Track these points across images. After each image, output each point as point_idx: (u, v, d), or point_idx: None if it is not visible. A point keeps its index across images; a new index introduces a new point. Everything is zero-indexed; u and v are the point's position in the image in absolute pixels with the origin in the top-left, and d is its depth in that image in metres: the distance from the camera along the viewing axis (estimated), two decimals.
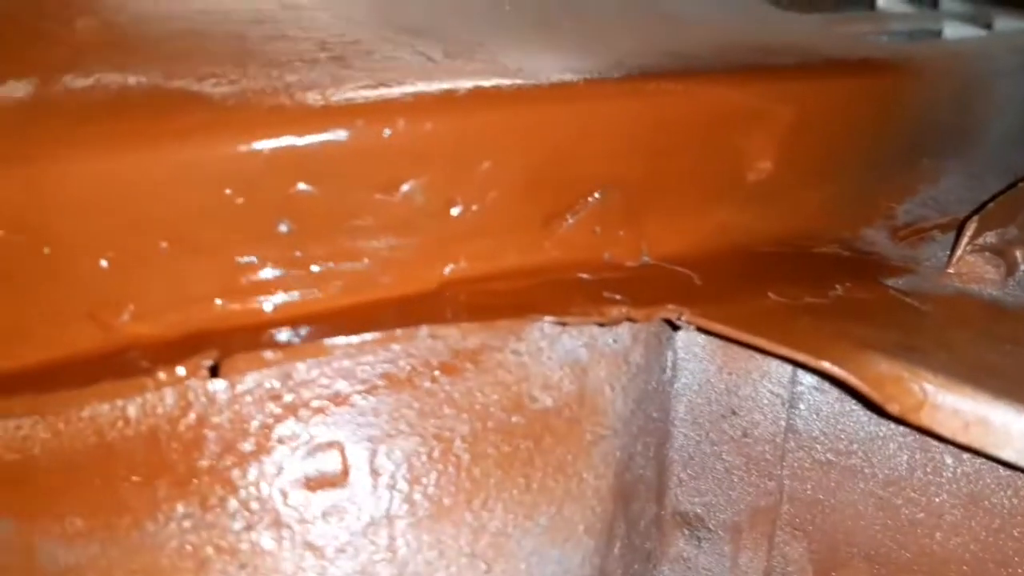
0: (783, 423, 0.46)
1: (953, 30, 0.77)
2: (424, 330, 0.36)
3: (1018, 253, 0.50)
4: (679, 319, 0.39)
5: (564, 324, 0.38)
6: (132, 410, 0.36)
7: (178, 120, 0.35)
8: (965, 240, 0.48)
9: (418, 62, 0.39)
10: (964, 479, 0.43)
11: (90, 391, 0.34)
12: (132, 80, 0.36)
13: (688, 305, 0.40)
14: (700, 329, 0.39)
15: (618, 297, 0.39)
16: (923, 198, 0.58)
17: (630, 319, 0.38)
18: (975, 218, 0.49)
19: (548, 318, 0.38)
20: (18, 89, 0.35)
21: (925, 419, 0.35)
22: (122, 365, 0.35)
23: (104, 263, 0.35)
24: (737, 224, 0.46)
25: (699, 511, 0.49)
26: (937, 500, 0.44)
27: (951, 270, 0.48)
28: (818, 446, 0.46)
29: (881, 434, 0.44)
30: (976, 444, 0.35)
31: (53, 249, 0.35)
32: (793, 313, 0.40)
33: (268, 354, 0.34)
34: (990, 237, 0.50)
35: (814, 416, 0.46)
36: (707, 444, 0.48)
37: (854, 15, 0.70)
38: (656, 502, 0.48)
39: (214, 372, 0.34)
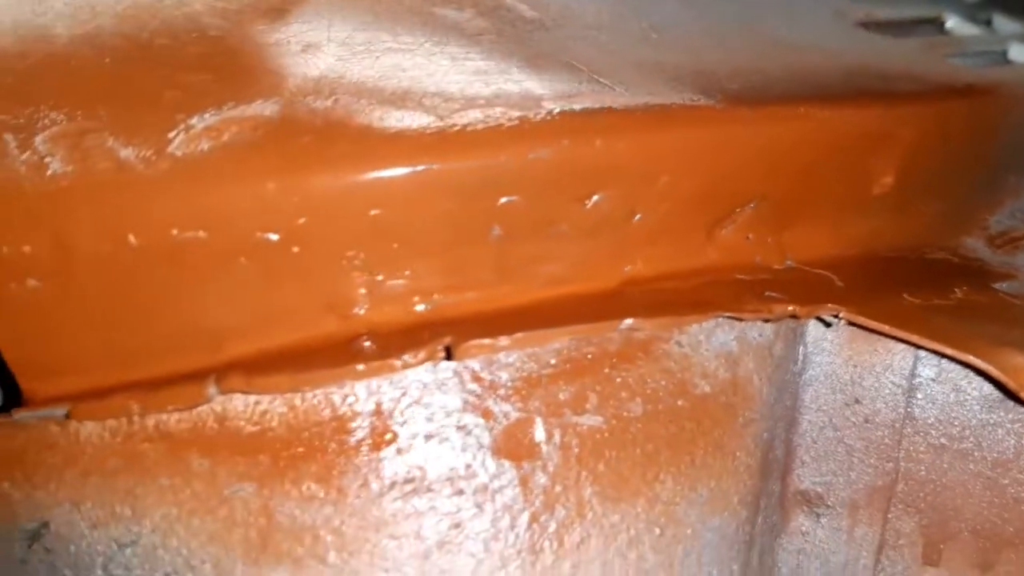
0: (902, 411, 0.51)
1: (1017, 51, 0.82)
2: (627, 321, 0.41)
3: None
4: (836, 316, 0.44)
5: (740, 319, 0.44)
6: (361, 388, 0.42)
7: (410, 139, 0.40)
8: None
9: (600, 88, 0.44)
10: None
11: (343, 371, 0.39)
12: (365, 103, 0.41)
13: (839, 304, 0.45)
14: (855, 325, 0.44)
15: (780, 296, 0.44)
16: (1011, 210, 0.63)
17: (793, 316, 0.44)
18: None
19: (726, 314, 0.43)
20: (267, 108, 0.41)
21: None
22: (360, 350, 0.41)
23: (345, 262, 0.40)
24: (864, 233, 0.51)
25: (819, 490, 0.54)
26: None
27: None
28: (933, 431, 0.51)
29: (991, 421, 0.50)
30: None
31: (302, 248, 0.40)
32: (928, 312, 0.45)
33: (500, 341, 0.39)
34: None
35: (930, 405, 0.51)
36: (830, 429, 0.53)
37: (937, 39, 0.74)
38: (780, 481, 0.54)
39: (449, 356, 0.40)
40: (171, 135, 0.39)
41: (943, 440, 0.51)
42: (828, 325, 0.47)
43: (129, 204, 0.39)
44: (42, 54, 0.42)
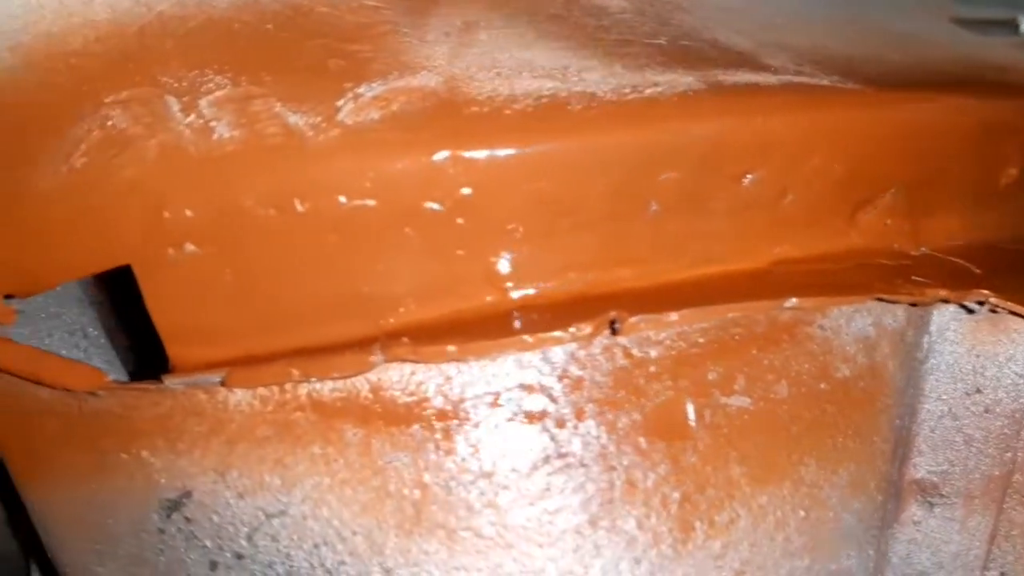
0: (1023, 401, 0.51)
1: None
2: (792, 300, 0.41)
3: None
4: (980, 303, 0.44)
5: (894, 302, 0.44)
6: (511, 362, 0.41)
7: (576, 113, 0.40)
8: None
9: (757, 66, 0.44)
10: None
11: (510, 341, 0.39)
12: (527, 75, 0.41)
13: (976, 290, 0.45)
14: (1009, 311, 0.44)
15: (927, 280, 0.44)
16: None
17: (944, 300, 0.44)
18: None
19: (882, 296, 0.43)
20: (431, 79, 0.41)
21: None
22: (518, 321, 0.41)
23: (507, 233, 0.40)
24: (991, 222, 0.51)
25: (935, 479, 0.54)
26: None
27: None
28: None
29: None
30: None
31: (465, 220, 0.40)
32: None
33: (671, 316, 0.39)
34: None
35: None
36: (949, 419, 0.53)
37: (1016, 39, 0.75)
38: (899, 468, 0.54)
39: (614, 330, 0.40)
40: (339, 103, 0.39)
41: None
42: (971, 312, 0.47)
43: (298, 171, 0.39)
44: (203, 18, 0.41)
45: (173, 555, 0.44)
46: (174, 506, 0.44)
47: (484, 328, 0.40)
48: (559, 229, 0.41)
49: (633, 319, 0.39)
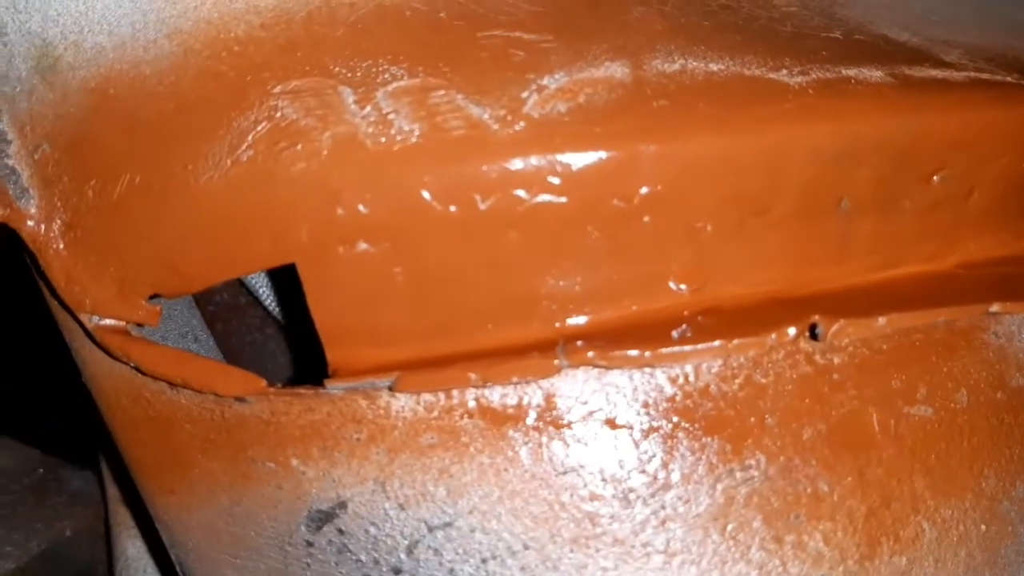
0: None
1: None
2: (994, 306, 0.39)
3: None
4: None
5: None
6: (689, 368, 0.40)
7: (765, 107, 0.38)
8: None
9: (936, 62, 0.43)
10: None
11: (704, 349, 0.37)
12: (714, 67, 0.39)
13: None
14: None
15: None
16: None
17: None
18: None
19: None
20: (617, 70, 0.39)
21: None
22: (697, 326, 0.39)
23: (695, 232, 0.39)
24: None
25: None
26: None
27: None
28: None
29: None
30: None
31: (652, 218, 0.38)
32: None
33: (880, 320, 0.37)
34: None
35: None
36: None
37: None
38: None
39: (814, 335, 0.38)
40: (524, 95, 0.37)
41: None
42: None
43: (482, 165, 0.37)
44: (373, 5, 0.40)
45: (321, 569, 0.42)
46: (326, 517, 0.42)
47: (668, 332, 0.38)
48: (749, 228, 0.39)
49: (837, 324, 0.37)
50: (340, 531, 0.41)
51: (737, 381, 0.40)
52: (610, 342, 0.38)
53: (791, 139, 0.38)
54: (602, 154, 0.37)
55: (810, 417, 0.40)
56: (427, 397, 0.39)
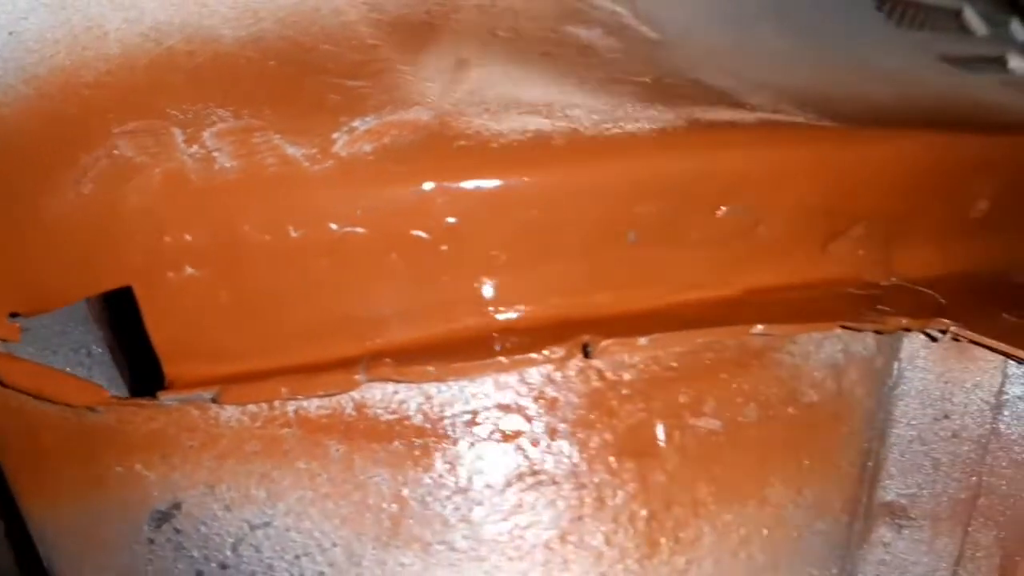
0: (988, 426, 0.54)
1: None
2: (758, 327, 0.43)
3: None
4: (943, 331, 0.46)
5: (858, 330, 0.46)
6: (490, 384, 0.44)
7: (557, 147, 0.43)
8: None
9: (735, 102, 0.47)
10: None
11: (487, 364, 0.41)
12: (513, 111, 0.44)
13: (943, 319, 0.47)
14: (960, 339, 0.46)
15: (890, 310, 0.46)
16: None
17: (906, 329, 0.46)
18: None
19: (846, 324, 0.45)
20: (424, 113, 0.43)
21: None
22: (497, 344, 0.43)
23: (490, 260, 0.43)
24: (962, 254, 0.54)
25: (904, 502, 0.56)
26: None
27: None
28: (1016, 447, 0.53)
29: None
30: None
31: (451, 247, 0.42)
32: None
33: (641, 341, 0.41)
34: None
35: (1016, 421, 0.53)
36: (918, 443, 0.55)
37: (1010, 77, 0.77)
38: (868, 491, 0.56)
39: (586, 353, 0.42)
40: (335, 136, 0.42)
41: None
42: (934, 340, 0.49)
43: (293, 199, 0.41)
44: (210, 53, 0.44)
45: (161, 565, 0.46)
46: (164, 517, 0.46)
47: (464, 350, 0.42)
48: (540, 257, 0.43)
49: (604, 343, 0.41)
50: (176, 530, 0.46)
51: (532, 395, 0.44)
52: (408, 359, 0.42)
53: (575, 178, 0.42)
54: (399, 190, 0.41)
55: (598, 427, 0.44)
56: (252, 408, 0.44)
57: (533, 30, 0.49)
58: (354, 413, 0.43)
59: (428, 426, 0.43)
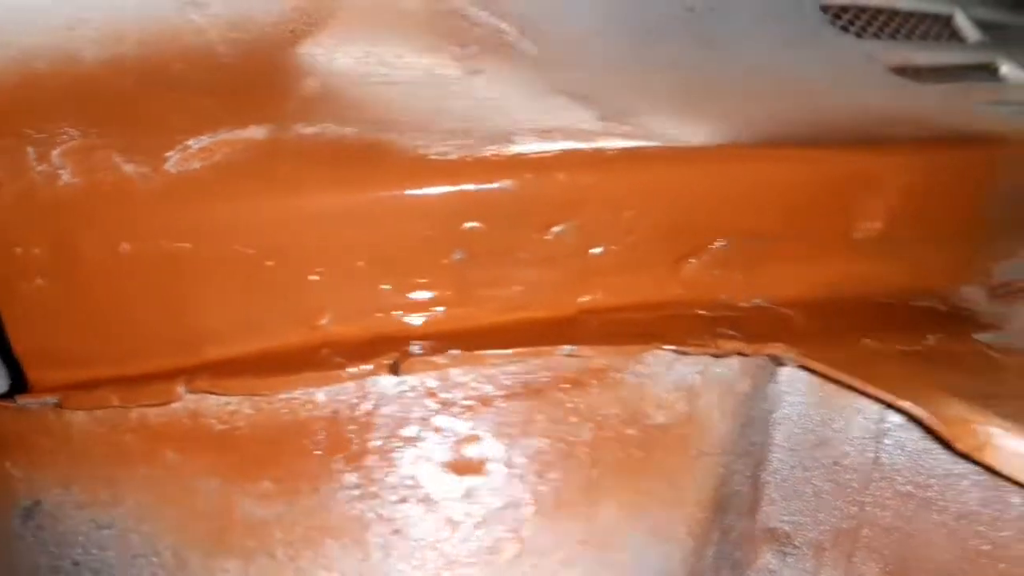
0: (870, 455, 0.52)
1: None
2: (565, 348, 0.43)
3: None
4: (783, 356, 0.45)
5: (684, 353, 0.45)
6: (321, 396, 0.45)
7: (382, 167, 0.43)
8: None
9: (585, 121, 0.46)
10: None
11: (296, 379, 0.42)
12: (347, 131, 0.45)
13: (793, 345, 0.46)
14: (801, 366, 0.45)
15: (732, 333, 0.45)
16: (1020, 263, 0.62)
17: (740, 353, 0.45)
18: None
19: (668, 347, 0.44)
20: (258, 132, 0.44)
21: (988, 458, 0.41)
22: (319, 359, 0.44)
23: (313, 277, 0.44)
24: (844, 276, 0.52)
25: (787, 529, 0.55)
26: (1003, 535, 0.48)
27: None
28: (899, 478, 0.51)
29: (956, 472, 0.49)
30: None
31: (275, 263, 0.44)
32: (884, 358, 0.45)
33: (439, 359, 0.42)
34: None
35: (898, 451, 0.51)
36: (800, 470, 0.53)
37: (978, 86, 0.74)
38: (749, 517, 0.54)
39: (394, 370, 0.42)
40: (169, 154, 0.43)
41: (909, 488, 0.51)
42: (782, 364, 0.48)
43: (125, 215, 0.43)
44: (71, 75, 0.46)
45: (29, 559, 0.49)
46: (28, 514, 0.48)
47: (284, 364, 0.43)
48: (366, 273, 0.44)
49: (410, 360, 0.42)
50: (39, 527, 0.48)
51: (362, 408, 0.45)
52: (230, 372, 0.43)
53: (398, 197, 0.43)
54: (224, 207, 0.43)
55: (425, 444, 0.44)
56: (99, 414, 0.46)
57: (398, 46, 0.50)
58: (189, 422, 0.45)
59: (257, 437, 0.44)
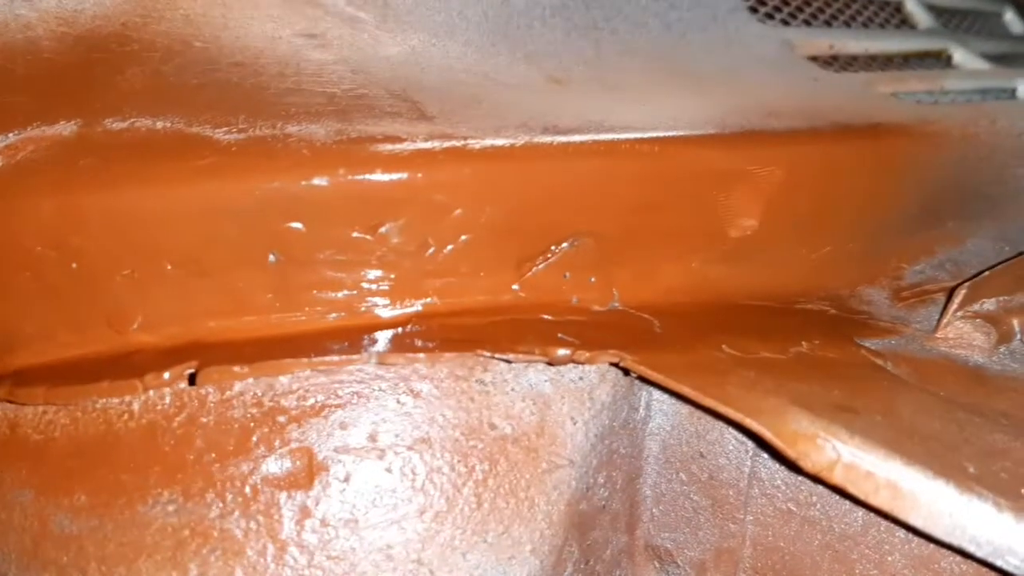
0: (747, 470, 0.48)
1: None
2: (371, 355, 0.40)
3: (1016, 322, 0.50)
4: (621, 364, 0.42)
5: (508, 361, 0.42)
6: (136, 406, 0.42)
7: (189, 162, 0.41)
8: (954, 306, 0.49)
9: (411, 117, 0.44)
10: (916, 541, 0.44)
11: (91, 388, 0.40)
12: (160, 124, 0.42)
13: (640, 351, 0.42)
14: (638, 376, 0.42)
15: (569, 339, 0.42)
16: (941, 260, 0.58)
17: (574, 361, 0.41)
18: (967, 284, 0.49)
19: (492, 354, 0.41)
20: (67, 128, 0.42)
21: (838, 478, 0.37)
22: (127, 367, 0.42)
23: (120, 279, 0.41)
24: (716, 276, 0.48)
25: (669, 546, 0.51)
26: (889, 559, 0.45)
27: (939, 334, 0.49)
28: (779, 495, 0.48)
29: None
30: (886, 507, 0.36)
31: (80, 265, 0.41)
32: (737, 366, 0.42)
33: (237, 368, 0.39)
34: (988, 304, 0.50)
35: (776, 466, 0.47)
36: (677, 483, 0.50)
37: (912, 74, 0.69)
38: (627, 533, 0.51)
39: (192, 380, 0.40)
40: None
41: (790, 505, 0.47)
42: (627, 373, 0.45)
43: None
44: None
45: None
46: None
47: (90, 372, 0.41)
48: (174, 276, 0.41)
49: (207, 370, 0.39)
50: None
51: (178, 420, 0.42)
52: (29, 380, 0.41)
53: (207, 194, 0.40)
54: (21, 206, 0.41)
55: (249, 455, 0.42)
56: None
57: (231, 44, 0.48)
58: (8, 431, 0.43)
59: (72, 448, 0.42)
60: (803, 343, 0.46)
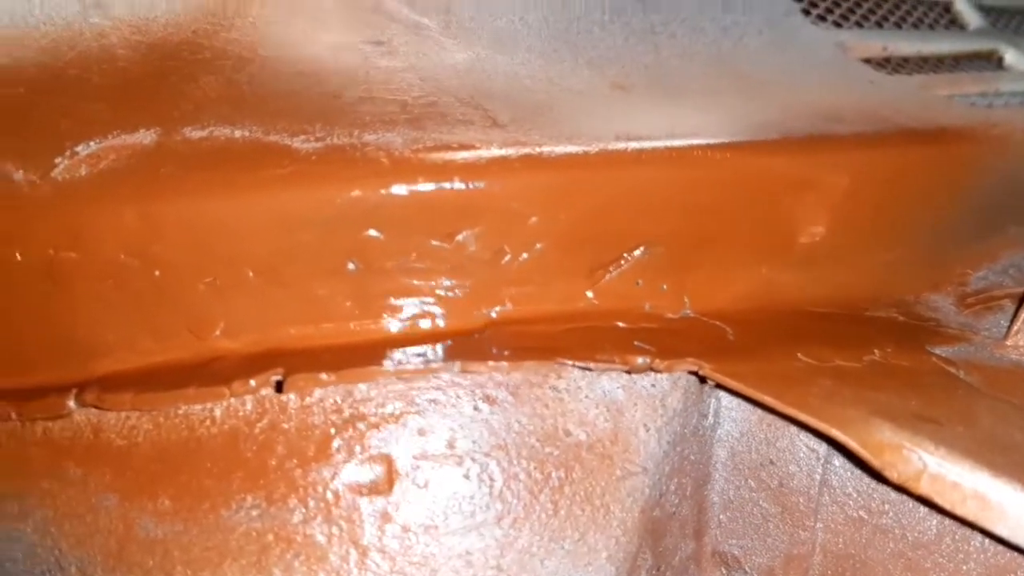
0: (818, 477, 0.48)
1: None
2: (454, 366, 0.40)
3: None
4: (700, 372, 0.42)
5: (588, 369, 0.42)
6: (218, 411, 0.43)
7: (269, 171, 0.41)
8: None
9: (484, 125, 0.44)
10: (992, 550, 0.44)
11: (177, 394, 0.41)
12: (237, 133, 0.43)
13: (716, 360, 0.42)
14: (716, 384, 0.42)
15: (647, 347, 0.42)
16: (1004, 266, 0.58)
17: (653, 369, 0.42)
18: None
19: (572, 362, 0.41)
20: (147, 137, 0.43)
21: (924, 488, 0.37)
22: (211, 374, 0.42)
23: (203, 287, 0.42)
24: (786, 284, 0.48)
25: (736, 552, 0.51)
26: (964, 568, 0.44)
27: (1009, 342, 0.49)
28: (851, 502, 0.48)
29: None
30: (972, 517, 0.36)
31: (162, 273, 0.42)
32: (815, 375, 0.42)
33: (323, 376, 0.40)
34: None
35: (848, 473, 0.47)
36: (746, 490, 0.50)
37: (967, 76, 0.69)
38: (695, 539, 0.51)
39: (279, 387, 0.40)
40: (58, 160, 0.42)
41: (862, 512, 0.47)
42: (702, 380, 0.45)
43: (15, 223, 0.42)
44: None
45: None
46: None
47: (174, 379, 0.42)
48: (256, 284, 0.42)
49: (293, 377, 0.40)
50: None
51: (260, 426, 0.43)
52: (117, 386, 0.42)
53: (289, 203, 0.41)
54: (106, 215, 0.41)
55: (332, 462, 0.42)
56: (6, 427, 0.45)
57: (293, 59, 0.48)
58: (91, 436, 0.44)
59: (155, 453, 0.43)
60: (876, 351, 0.45)
